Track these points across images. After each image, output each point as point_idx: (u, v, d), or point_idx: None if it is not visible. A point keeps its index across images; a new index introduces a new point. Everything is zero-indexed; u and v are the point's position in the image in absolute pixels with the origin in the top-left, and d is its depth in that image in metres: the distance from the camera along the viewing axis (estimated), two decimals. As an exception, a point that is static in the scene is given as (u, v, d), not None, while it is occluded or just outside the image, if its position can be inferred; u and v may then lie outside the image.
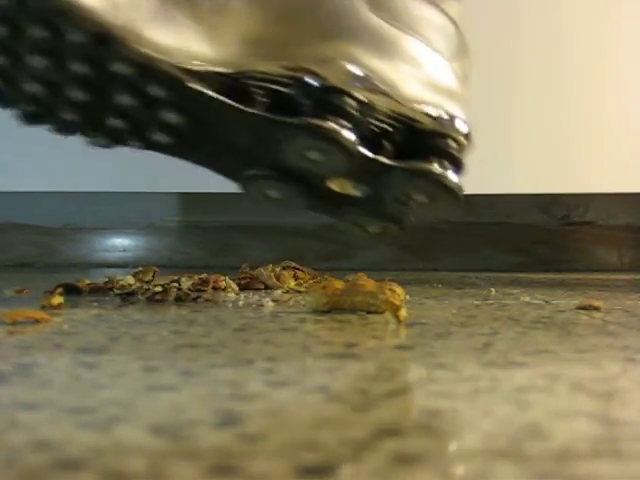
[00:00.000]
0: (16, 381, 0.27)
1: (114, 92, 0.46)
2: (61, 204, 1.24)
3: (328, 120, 0.46)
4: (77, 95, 0.47)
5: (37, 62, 0.45)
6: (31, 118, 0.49)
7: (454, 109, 0.50)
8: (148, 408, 0.23)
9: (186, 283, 0.63)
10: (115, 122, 0.48)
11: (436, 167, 0.48)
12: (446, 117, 0.50)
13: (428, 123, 0.49)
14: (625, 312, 0.52)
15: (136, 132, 0.48)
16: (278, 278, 0.69)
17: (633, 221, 1.21)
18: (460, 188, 0.49)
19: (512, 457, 0.18)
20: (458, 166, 0.50)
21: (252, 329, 0.40)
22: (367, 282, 0.48)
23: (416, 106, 0.49)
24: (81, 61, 0.45)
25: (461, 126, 0.50)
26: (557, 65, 1.20)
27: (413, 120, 0.49)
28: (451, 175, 0.49)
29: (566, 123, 1.20)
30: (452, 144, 0.49)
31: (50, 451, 0.18)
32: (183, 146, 0.48)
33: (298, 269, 0.73)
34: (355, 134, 0.47)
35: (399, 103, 0.49)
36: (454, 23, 0.54)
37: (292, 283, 0.68)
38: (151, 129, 0.48)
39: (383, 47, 0.50)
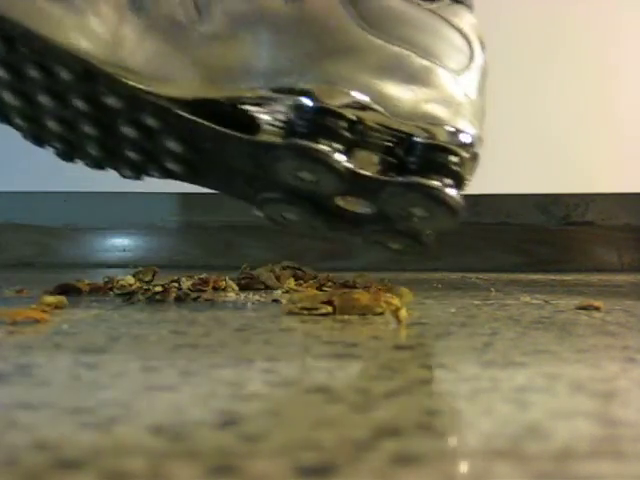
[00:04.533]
0: (16, 381, 0.27)
1: (118, 125, 0.48)
2: (61, 204, 1.24)
3: (319, 142, 0.46)
4: (90, 131, 0.49)
5: (46, 101, 0.47)
6: (64, 155, 0.51)
7: (459, 123, 0.49)
8: (148, 408, 0.23)
9: (186, 283, 0.63)
10: (131, 154, 0.49)
11: (433, 183, 0.47)
12: (448, 131, 0.49)
13: (425, 137, 0.48)
14: (625, 312, 0.52)
15: (151, 162, 0.50)
16: (278, 278, 0.69)
17: (633, 221, 1.21)
18: (458, 203, 0.49)
19: (512, 457, 0.18)
20: (459, 181, 0.49)
21: (252, 329, 0.40)
22: (362, 295, 0.48)
23: (414, 122, 0.48)
24: (80, 98, 0.47)
25: (466, 140, 0.49)
26: (558, 66, 1.20)
27: (411, 135, 0.48)
28: (449, 191, 0.48)
29: (566, 124, 1.20)
30: (452, 159, 0.48)
31: (50, 451, 0.18)
32: (195, 173, 0.50)
33: (298, 269, 0.73)
34: (347, 154, 0.47)
35: (396, 120, 0.48)
36: (463, 34, 0.52)
37: (292, 283, 0.68)
38: (162, 159, 0.49)
39: (379, 64, 0.49)
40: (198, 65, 0.47)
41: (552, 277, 0.94)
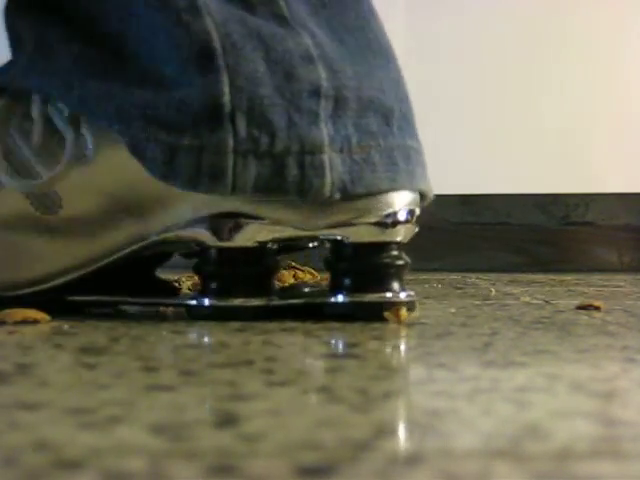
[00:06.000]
0: (16, 381, 0.27)
1: None
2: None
3: (233, 295, 0.44)
4: None
5: None
6: None
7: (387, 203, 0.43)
8: (148, 408, 0.23)
9: (186, 283, 0.63)
10: None
11: (374, 298, 0.44)
12: (377, 221, 0.43)
13: (350, 238, 0.44)
14: (625, 312, 0.52)
15: None
16: (278, 278, 0.69)
17: (633, 221, 1.21)
18: (409, 305, 0.44)
19: (512, 457, 0.18)
20: (404, 270, 0.45)
21: (252, 329, 0.40)
22: None
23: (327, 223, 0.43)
24: None
25: (401, 217, 0.44)
26: (559, 66, 1.20)
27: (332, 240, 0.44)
28: (394, 298, 0.44)
29: (567, 124, 1.20)
30: (391, 254, 0.44)
31: (50, 451, 0.18)
32: None
33: (298, 269, 0.73)
34: (269, 282, 0.45)
35: (308, 230, 0.44)
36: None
37: (292, 283, 0.68)
38: None
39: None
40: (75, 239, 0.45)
41: (552, 277, 0.94)
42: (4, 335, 0.38)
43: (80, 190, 0.45)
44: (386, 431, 0.21)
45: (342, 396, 0.25)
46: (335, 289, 0.44)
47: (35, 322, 0.42)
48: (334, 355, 0.33)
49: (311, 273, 0.74)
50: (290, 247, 0.48)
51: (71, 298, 0.46)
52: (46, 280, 0.45)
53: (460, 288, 0.74)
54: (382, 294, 0.44)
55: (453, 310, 0.52)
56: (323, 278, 0.70)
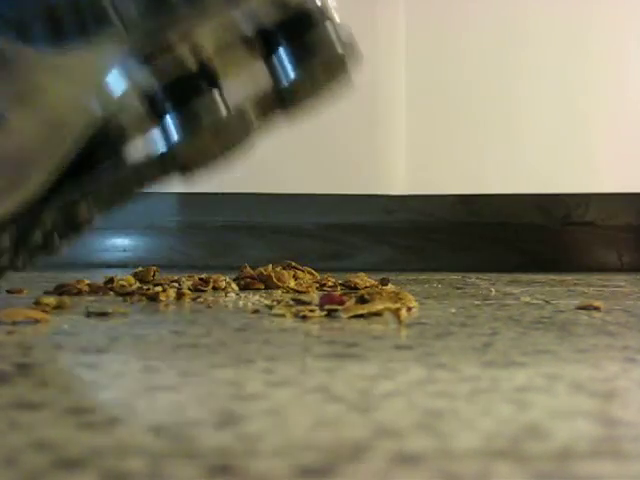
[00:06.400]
0: (16, 381, 0.27)
1: None
2: (61, 204, 1.24)
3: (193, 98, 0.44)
4: None
5: None
6: None
7: None
8: (148, 408, 0.23)
9: (186, 283, 0.63)
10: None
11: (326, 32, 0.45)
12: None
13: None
14: (625, 312, 0.52)
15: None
16: (278, 278, 0.69)
17: (633, 221, 1.21)
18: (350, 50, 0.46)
19: (512, 457, 0.18)
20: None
21: (252, 329, 0.40)
22: (379, 302, 0.47)
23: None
24: None
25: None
26: (559, 66, 1.20)
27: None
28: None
29: (566, 123, 1.21)
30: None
31: (50, 451, 0.18)
32: None
33: (298, 269, 0.73)
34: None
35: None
36: None
37: (292, 283, 0.68)
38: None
39: None
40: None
41: (552, 277, 0.94)
42: (4, 335, 0.38)
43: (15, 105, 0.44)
44: (386, 431, 0.21)
45: (342, 396, 0.25)
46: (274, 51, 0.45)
47: (35, 322, 0.42)
48: (334, 355, 0.33)
49: (311, 273, 0.74)
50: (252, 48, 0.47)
51: (65, 197, 0.46)
52: (32, 193, 0.45)
53: (460, 288, 0.74)
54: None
55: (453, 310, 0.52)
56: (324, 278, 0.70)
